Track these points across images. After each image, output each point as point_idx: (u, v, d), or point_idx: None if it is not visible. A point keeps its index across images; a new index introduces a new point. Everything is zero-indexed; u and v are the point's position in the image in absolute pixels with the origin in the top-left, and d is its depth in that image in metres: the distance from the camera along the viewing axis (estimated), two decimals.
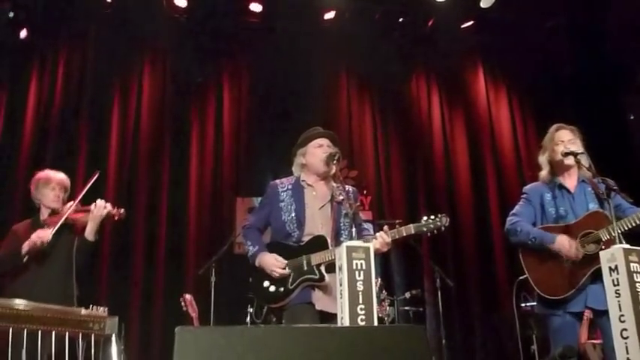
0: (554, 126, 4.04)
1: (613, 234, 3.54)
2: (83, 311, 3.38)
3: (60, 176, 4.37)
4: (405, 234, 3.62)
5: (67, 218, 4.14)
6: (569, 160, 3.89)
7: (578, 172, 3.95)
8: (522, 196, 4.05)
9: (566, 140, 3.93)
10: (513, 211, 4.01)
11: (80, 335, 3.33)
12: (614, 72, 8.33)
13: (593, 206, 3.82)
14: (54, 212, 4.24)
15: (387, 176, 8.27)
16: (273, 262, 3.67)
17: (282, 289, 3.65)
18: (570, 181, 3.96)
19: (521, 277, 4.10)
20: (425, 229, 3.63)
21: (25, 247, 4.02)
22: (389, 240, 3.60)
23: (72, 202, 4.22)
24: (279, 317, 3.76)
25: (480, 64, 8.94)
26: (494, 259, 7.95)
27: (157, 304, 7.06)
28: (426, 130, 8.60)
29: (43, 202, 4.29)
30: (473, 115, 8.77)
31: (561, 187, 3.93)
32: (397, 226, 3.66)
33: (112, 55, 7.88)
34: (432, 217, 3.64)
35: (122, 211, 4.22)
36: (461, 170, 8.49)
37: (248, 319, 5.68)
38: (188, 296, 5.57)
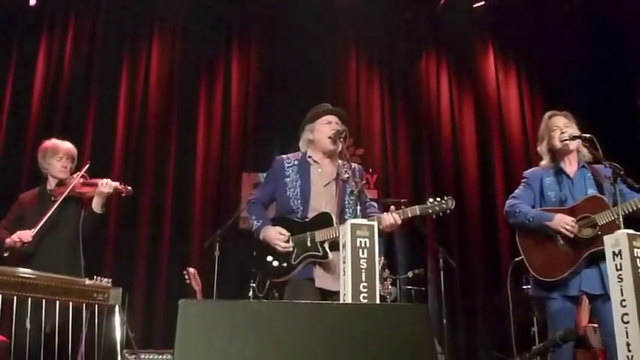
0: (547, 114, 4.06)
1: (611, 219, 3.56)
2: (87, 281, 3.41)
3: (67, 146, 4.35)
4: (410, 215, 3.63)
5: (74, 191, 4.14)
6: (573, 145, 3.88)
7: (578, 158, 3.95)
8: (522, 180, 4.07)
9: (561, 125, 3.93)
10: (513, 195, 4.03)
11: (84, 305, 3.36)
12: (626, 58, 8.26)
13: (592, 191, 3.83)
14: (61, 182, 4.25)
15: (394, 155, 8.26)
16: (277, 235, 3.69)
17: (285, 264, 3.67)
18: (570, 166, 3.96)
19: (516, 259, 4.13)
20: (430, 211, 3.63)
21: (8, 243, 4.01)
22: (400, 221, 3.61)
23: (78, 173, 4.22)
24: (280, 292, 3.78)
25: (490, 44, 8.88)
26: (499, 241, 7.96)
27: (161, 277, 7.11)
28: (434, 110, 8.57)
29: (50, 172, 4.29)
30: (481, 96, 8.73)
31: (561, 171, 3.94)
32: (403, 206, 3.67)
33: (121, 25, 7.85)
34: (438, 199, 3.64)
35: (129, 188, 4.22)
36: (468, 151, 8.47)
37: (250, 293, 5.71)
38: (192, 270, 5.61)
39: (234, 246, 6.59)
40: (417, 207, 3.64)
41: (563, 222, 3.70)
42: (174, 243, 7.29)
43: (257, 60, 8.23)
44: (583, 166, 3.94)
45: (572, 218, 3.71)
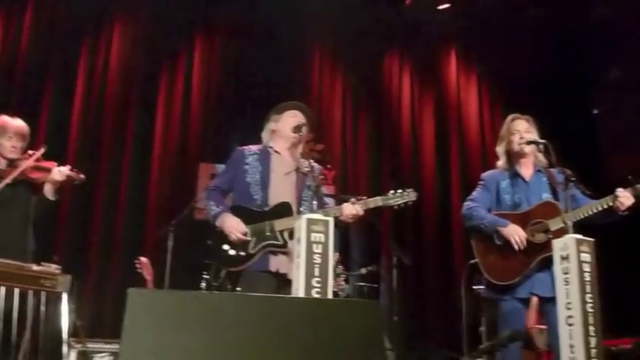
0: (510, 117, 4.13)
1: (564, 224, 3.63)
2: (35, 267, 3.33)
3: (17, 123, 4.16)
4: (371, 206, 3.67)
5: (25, 175, 4.02)
6: (528, 149, 3.96)
7: (535, 162, 4.03)
8: (479, 182, 4.13)
9: (522, 130, 4.01)
10: (470, 197, 4.09)
11: (31, 292, 3.28)
12: (584, 67, 8.46)
13: (547, 196, 3.91)
14: (12, 163, 4.12)
15: (353, 152, 8.30)
16: (235, 226, 3.66)
17: (242, 252, 3.66)
18: (526, 170, 4.04)
19: (472, 261, 4.19)
20: (392, 202, 3.68)
21: None
22: (361, 212, 3.64)
23: (31, 155, 4.09)
24: (235, 283, 3.78)
25: (453, 47, 8.98)
26: (453, 242, 8.07)
27: (112, 266, 7.00)
28: (395, 109, 8.62)
29: (0, 152, 4.15)
30: (442, 97, 8.82)
31: (517, 175, 4.02)
32: (365, 197, 3.70)
33: (82, 9, 7.67)
34: (400, 190, 3.68)
35: (82, 176, 4.11)
36: (426, 151, 8.55)
37: (203, 284, 5.68)
38: (144, 259, 5.54)
39: (189, 237, 6.50)
40: (378, 198, 3.69)
41: (515, 233, 3.77)
42: (128, 231, 7.19)
43: (220, 51, 8.15)
44: (539, 171, 4.02)
45: (524, 235, 3.77)
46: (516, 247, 3.75)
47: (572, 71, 8.34)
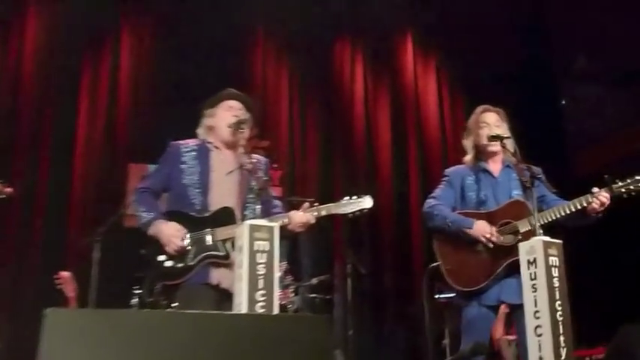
0: (480, 108, 4.16)
1: (533, 225, 3.69)
2: None
3: None
4: (324, 214, 3.66)
5: None
6: (495, 145, 4.01)
7: (504, 157, 4.08)
8: (443, 178, 4.16)
9: (491, 123, 4.05)
10: (432, 194, 4.12)
11: None
12: (552, 57, 8.65)
13: (517, 193, 3.96)
14: None
15: (302, 149, 8.30)
16: (172, 232, 3.60)
17: (180, 264, 3.61)
18: (495, 165, 4.09)
19: (432, 265, 4.22)
20: (346, 210, 3.67)
21: None
22: (313, 220, 3.63)
23: None
24: (171, 298, 3.71)
25: (409, 34, 9.06)
26: (412, 246, 8.14)
27: (29, 282, 6.83)
28: (347, 100, 8.66)
29: None
30: (398, 88, 8.89)
31: (485, 171, 4.06)
32: (317, 204, 3.68)
33: None
34: (355, 197, 3.68)
35: (9, 189, 4.03)
36: (382, 146, 8.61)
37: (135, 300, 5.59)
38: (66, 274, 5.41)
39: (118, 247, 6.40)
40: (331, 205, 3.67)
41: (484, 231, 3.81)
42: (47, 242, 7.01)
43: (151, 36, 8.04)
44: (508, 166, 4.07)
45: (493, 227, 3.82)
46: (490, 244, 3.78)
47: (537, 60, 8.53)
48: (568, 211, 3.78)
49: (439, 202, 4.02)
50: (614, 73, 8.15)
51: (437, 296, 6.16)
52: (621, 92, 8.18)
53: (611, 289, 7.06)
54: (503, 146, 3.92)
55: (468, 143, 4.15)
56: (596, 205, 3.76)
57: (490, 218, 3.89)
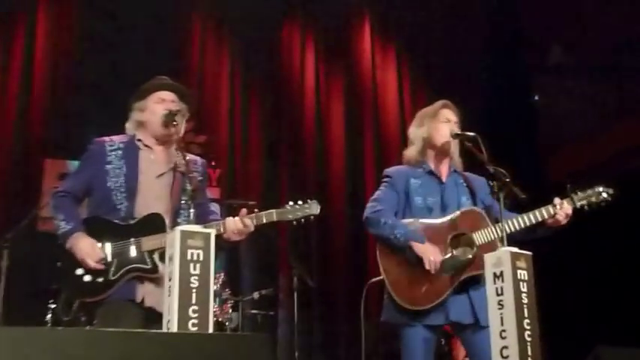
0: (441, 102, 4.17)
1: (491, 237, 3.75)
2: None
3: None
4: (265, 220, 3.64)
5: None
6: (454, 146, 4.04)
7: (450, 161, 4.12)
8: (384, 179, 4.16)
9: (452, 120, 4.08)
10: (375, 197, 4.11)
11: None
12: (523, 49, 8.79)
13: (466, 201, 4.01)
14: None
15: (244, 145, 8.30)
16: (89, 251, 3.56)
17: (100, 279, 3.56)
18: (442, 168, 4.12)
19: (373, 280, 4.22)
20: (290, 217, 3.66)
21: None
22: (252, 227, 3.61)
23: None
24: (91, 315, 3.68)
25: (366, 19, 9.13)
26: (367, 255, 8.18)
27: None
28: (296, 92, 8.69)
29: None
30: (354, 78, 8.96)
31: (431, 173, 4.09)
32: (255, 209, 3.67)
33: None
34: (300, 202, 3.68)
35: None
36: (335, 143, 8.66)
37: (49, 317, 5.52)
38: None
39: (30, 255, 6.32)
40: (273, 211, 3.66)
41: (431, 254, 3.81)
42: None
43: (71, 17, 7.94)
44: (455, 171, 4.12)
45: (440, 259, 3.82)
46: (429, 268, 3.79)
47: (508, 50, 8.66)
48: (528, 223, 3.84)
49: (383, 207, 4.02)
50: (593, 65, 8.32)
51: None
52: (601, 86, 8.35)
53: (583, 305, 7.21)
54: (469, 146, 3.94)
55: (417, 134, 4.14)
56: (560, 217, 3.84)
57: (441, 229, 3.91)
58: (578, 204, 3.90)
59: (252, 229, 3.64)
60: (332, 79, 8.93)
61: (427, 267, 3.80)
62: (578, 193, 3.91)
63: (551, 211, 3.84)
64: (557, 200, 3.87)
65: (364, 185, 8.54)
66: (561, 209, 3.84)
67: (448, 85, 8.01)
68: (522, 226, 3.83)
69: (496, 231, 3.75)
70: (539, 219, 3.85)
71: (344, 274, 8.20)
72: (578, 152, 8.19)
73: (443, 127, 4.06)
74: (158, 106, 3.81)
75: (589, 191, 3.92)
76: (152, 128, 3.81)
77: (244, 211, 3.66)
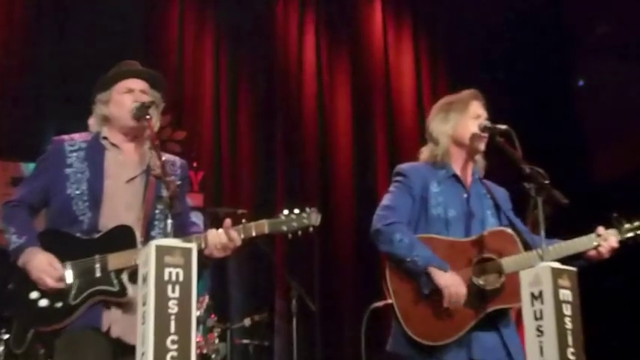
0: (470, 92, 4.10)
1: (521, 265, 3.64)
2: None
3: None
4: (254, 233, 3.62)
5: None
6: (484, 144, 4.00)
7: (473, 166, 4.09)
8: (398, 178, 4.10)
9: (482, 116, 4.03)
10: (386, 202, 4.04)
11: None
12: (563, 26, 8.75)
13: (490, 216, 3.99)
14: None
15: (231, 142, 8.30)
16: (45, 268, 3.55)
17: (59, 304, 3.55)
18: (466, 174, 4.08)
19: (376, 305, 4.17)
20: (285, 229, 3.64)
21: None
22: (239, 241, 3.60)
23: None
24: (49, 347, 3.66)
25: None
26: (379, 272, 8.16)
27: None
28: (294, 78, 8.70)
29: None
30: (362, 61, 8.97)
31: (455, 179, 4.05)
32: (244, 219, 3.65)
33: None
34: (297, 211, 3.67)
35: None
36: (340, 140, 8.67)
37: (1, 349, 5.52)
38: None
39: None
40: (265, 222, 3.64)
41: (454, 287, 3.75)
42: None
43: None
44: (478, 179, 4.09)
45: (464, 294, 3.78)
46: (449, 305, 3.75)
47: (544, 28, 8.63)
48: (564, 253, 3.81)
49: (397, 220, 3.95)
50: None
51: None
52: None
53: (637, 332, 7.17)
54: (500, 141, 3.91)
55: (443, 130, 4.07)
56: (604, 250, 3.84)
57: (465, 250, 3.89)
58: (626, 236, 3.88)
59: (238, 243, 3.61)
60: (336, 64, 8.94)
61: (446, 304, 3.75)
62: (626, 224, 3.90)
63: (594, 243, 3.84)
64: (601, 230, 3.86)
65: (375, 190, 8.50)
66: (606, 241, 3.83)
67: (473, 70, 8.02)
68: (558, 256, 3.76)
69: (529, 258, 3.69)
70: (579, 249, 3.84)
71: (352, 295, 8.19)
72: (630, 150, 8.14)
73: (473, 125, 4.02)
74: (126, 96, 3.80)
75: (637, 223, 3.90)
76: (120, 123, 3.80)
77: (229, 221, 3.64)
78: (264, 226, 3.63)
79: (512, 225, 3.89)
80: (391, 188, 4.11)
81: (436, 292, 3.81)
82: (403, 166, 4.15)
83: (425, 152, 4.14)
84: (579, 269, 3.73)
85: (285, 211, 3.67)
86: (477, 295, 3.80)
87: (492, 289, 3.79)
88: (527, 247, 3.82)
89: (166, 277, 3.03)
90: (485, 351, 3.79)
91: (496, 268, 3.83)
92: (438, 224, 3.95)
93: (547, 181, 3.53)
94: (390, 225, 3.94)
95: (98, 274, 3.56)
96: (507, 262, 3.81)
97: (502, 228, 3.94)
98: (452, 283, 3.77)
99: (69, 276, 3.57)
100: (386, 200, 4.06)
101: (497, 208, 4.00)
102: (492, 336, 3.79)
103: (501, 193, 4.03)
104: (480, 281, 3.82)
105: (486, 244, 3.88)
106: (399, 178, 4.09)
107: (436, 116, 4.14)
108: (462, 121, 4.04)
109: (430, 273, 3.79)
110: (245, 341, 6.69)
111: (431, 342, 3.79)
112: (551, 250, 3.75)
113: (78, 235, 3.63)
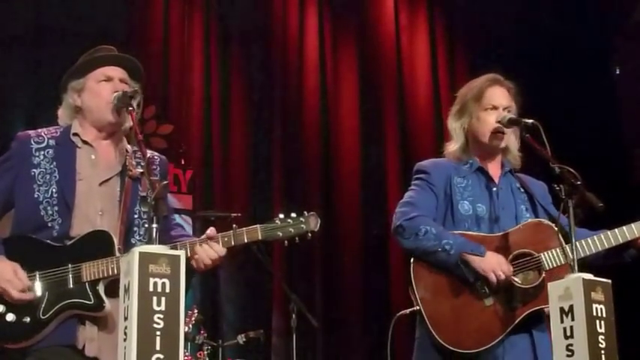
0: (486, 78, 4.13)
1: (563, 259, 3.71)
2: None
3: None
4: (246, 240, 3.63)
5: None
6: (505, 140, 4.00)
7: (503, 158, 4.11)
8: (419, 175, 4.15)
9: (500, 106, 4.03)
10: (406, 199, 4.09)
11: None
12: (599, 12, 8.74)
13: (525, 211, 4.02)
14: None
15: (223, 137, 8.31)
16: (9, 277, 3.54)
17: (27, 319, 3.55)
18: (494, 167, 4.11)
19: (405, 311, 4.18)
20: (280, 235, 3.66)
21: None
22: (221, 250, 3.60)
23: None
24: None
25: None
26: (390, 283, 8.17)
27: None
28: (294, 67, 8.69)
29: None
30: (371, 46, 8.98)
31: (481, 172, 4.08)
32: (234, 224, 3.67)
33: None
34: (294, 215, 3.68)
35: None
36: (346, 133, 8.68)
37: None
38: None
39: None
40: (257, 227, 3.65)
41: (498, 266, 3.79)
42: None
43: None
44: (510, 172, 4.12)
45: (510, 270, 3.80)
46: (495, 286, 3.76)
47: (583, 14, 8.62)
48: (611, 243, 3.84)
49: (421, 213, 3.98)
50: None
51: None
52: None
53: None
54: (526, 137, 3.92)
55: (456, 126, 4.14)
56: None
57: (499, 245, 3.91)
58: None
59: (222, 253, 3.63)
60: (342, 46, 8.95)
61: (494, 283, 3.78)
62: None
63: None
64: None
65: (385, 193, 8.54)
66: None
67: (496, 54, 8.02)
68: (603, 247, 3.81)
69: (571, 252, 3.63)
70: (628, 238, 3.84)
71: (357, 308, 8.21)
72: None
73: (487, 118, 4.03)
74: (103, 86, 3.79)
75: None
76: (95, 116, 3.80)
77: (211, 230, 3.65)
78: (257, 231, 3.64)
79: (551, 219, 3.88)
80: (411, 186, 4.15)
81: (468, 292, 3.86)
82: (424, 163, 4.20)
83: (447, 148, 4.16)
84: (631, 261, 3.80)
85: (281, 216, 3.69)
86: (515, 295, 3.83)
87: (531, 287, 3.81)
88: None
89: (151, 288, 3.03)
90: (514, 357, 3.83)
91: (535, 264, 3.85)
92: (466, 221, 3.99)
93: (579, 182, 3.53)
94: (412, 219, 3.97)
95: (71, 285, 3.56)
96: (547, 257, 3.83)
97: (540, 220, 3.96)
98: (493, 266, 3.80)
99: (37, 287, 3.58)
100: (406, 197, 4.11)
101: (533, 202, 4.02)
102: (524, 339, 3.82)
103: (539, 187, 4.03)
104: (518, 279, 3.84)
105: (523, 238, 3.92)
106: (419, 175, 4.14)
107: (453, 109, 4.19)
108: (476, 114, 4.07)
109: (466, 261, 3.83)
110: None
111: (461, 350, 3.82)
112: (591, 242, 3.83)
113: (47, 241, 3.63)
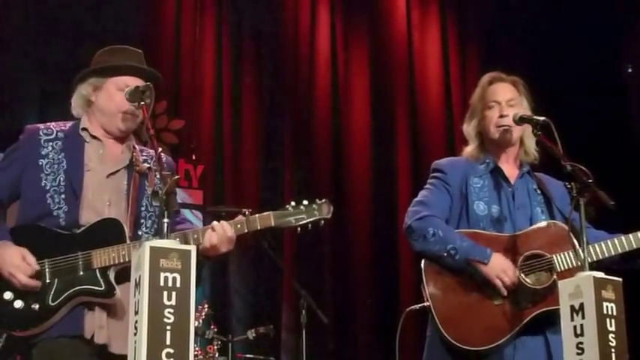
0: (486, 77, 4.13)
1: (577, 262, 3.66)
2: None
3: None
4: (259, 226, 3.62)
5: None
6: (516, 134, 3.99)
7: (520, 156, 4.10)
8: (436, 174, 4.13)
9: (503, 100, 4.02)
10: (420, 198, 4.09)
11: None
12: (611, 10, 8.70)
13: (540, 213, 4.00)
14: None
15: (235, 133, 8.31)
16: (17, 263, 3.54)
17: (36, 305, 3.54)
18: (509, 167, 4.09)
19: (415, 307, 4.18)
20: (293, 222, 3.66)
21: None
22: (231, 234, 3.60)
23: None
24: (25, 355, 3.65)
25: None
26: (399, 277, 8.16)
27: None
28: (305, 62, 8.70)
29: None
30: (383, 45, 8.94)
31: (497, 171, 4.07)
32: (247, 212, 3.65)
33: None
34: (306, 203, 3.67)
35: None
36: (356, 130, 8.67)
37: None
38: None
39: None
40: (270, 214, 3.64)
41: (502, 272, 3.79)
42: None
43: None
44: (528, 172, 4.09)
45: (515, 274, 3.81)
46: (503, 291, 3.78)
47: (594, 15, 8.58)
48: (626, 248, 3.83)
49: (432, 213, 3.98)
50: None
51: None
52: None
53: None
54: (537, 135, 3.89)
55: (469, 129, 4.14)
56: None
57: (510, 246, 3.91)
58: None
59: (232, 236, 3.61)
60: (353, 44, 8.94)
61: (501, 290, 3.78)
62: None
63: None
64: None
65: (396, 189, 8.53)
66: None
67: (509, 53, 7.99)
68: (617, 251, 3.80)
69: (584, 254, 3.59)
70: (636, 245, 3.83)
71: (367, 305, 8.19)
72: None
73: (491, 115, 4.03)
74: (119, 95, 3.80)
75: None
76: (105, 119, 3.80)
77: (235, 218, 3.66)
78: (269, 218, 3.64)
79: (566, 221, 3.84)
80: (427, 185, 4.14)
81: (478, 290, 3.86)
82: (441, 162, 4.19)
83: (465, 149, 4.15)
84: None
85: (293, 203, 3.68)
86: (525, 296, 3.83)
87: (542, 288, 3.80)
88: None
89: (162, 283, 3.02)
90: (529, 358, 3.82)
91: (546, 265, 3.84)
92: (481, 221, 3.98)
93: (591, 180, 3.52)
94: (421, 219, 3.97)
95: (81, 272, 3.56)
96: (559, 259, 3.83)
97: (553, 221, 3.94)
98: (497, 272, 3.81)
99: (47, 274, 3.58)
100: (420, 196, 4.11)
101: (550, 204, 4.00)
102: (537, 340, 3.80)
103: (557, 188, 3.98)
104: (529, 280, 3.83)
105: (535, 240, 3.91)
106: (435, 174, 4.14)
107: (467, 113, 4.19)
108: (482, 113, 4.08)
109: (474, 266, 3.84)
110: (248, 356, 6.69)
111: (471, 347, 3.82)
112: (604, 246, 3.81)
113: (56, 229, 3.63)
